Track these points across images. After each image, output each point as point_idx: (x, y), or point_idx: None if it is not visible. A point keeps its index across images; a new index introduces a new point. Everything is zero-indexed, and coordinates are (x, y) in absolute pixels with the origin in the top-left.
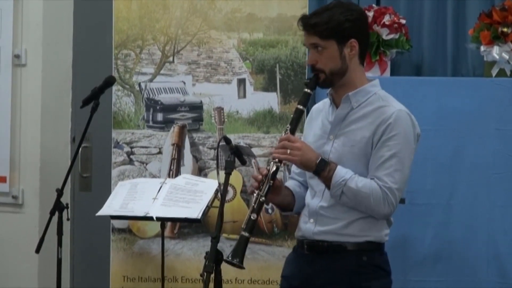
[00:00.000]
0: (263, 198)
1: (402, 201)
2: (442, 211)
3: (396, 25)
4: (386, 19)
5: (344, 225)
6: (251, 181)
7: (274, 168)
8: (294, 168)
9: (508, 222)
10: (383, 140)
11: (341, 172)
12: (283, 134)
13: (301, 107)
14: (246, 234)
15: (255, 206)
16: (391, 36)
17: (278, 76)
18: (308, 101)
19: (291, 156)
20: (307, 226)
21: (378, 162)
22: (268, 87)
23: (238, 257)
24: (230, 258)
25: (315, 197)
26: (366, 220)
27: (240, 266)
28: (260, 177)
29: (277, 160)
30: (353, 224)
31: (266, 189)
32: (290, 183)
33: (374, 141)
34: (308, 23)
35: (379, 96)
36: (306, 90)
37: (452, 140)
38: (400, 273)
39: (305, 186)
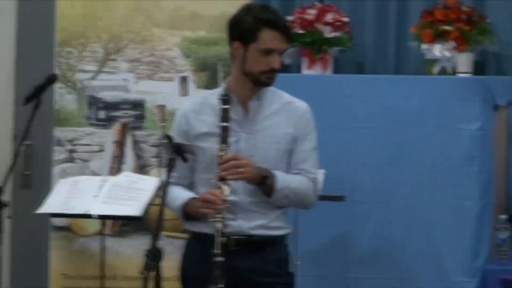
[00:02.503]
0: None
1: (342, 198)
2: (382, 209)
3: (338, 23)
4: (329, 17)
5: (272, 219)
6: (208, 204)
7: (227, 189)
8: (174, 173)
9: (447, 220)
10: (305, 134)
11: (280, 176)
12: (222, 154)
13: (226, 124)
14: (222, 259)
15: (222, 230)
16: (334, 34)
17: (220, 74)
18: (229, 117)
19: (245, 174)
20: (239, 223)
21: (303, 156)
22: (211, 85)
23: (222, 281)
24: (213, 286)
25: (236, 194)
26: (285, 214)
27: None
28: (222, 204)
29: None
30: (278, 218)
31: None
32: (182, 189)
33: (298, 136)
34: (288, 28)
35: (274, 92)
36: (224, 106)
37: (394, 138)
38: (340, 271)
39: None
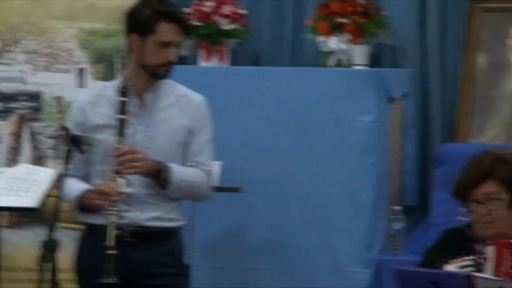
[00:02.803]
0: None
1: (238, 189)
2: (278, 200)
3: (235, 15)
4: (226, 9)
5: (167, 211)
6: (102, 196)
7: (123, 182)
8: (70, 165)
9: (343, 211)
10: (200, 127)
11: (176, 169)
12: (118, 147)
13: (123, 116)
14: (115, 252)
15: (116, 223)
16: (231, 26)
17: (117, 66)
18: (126, 109)
19: (140, 168)
20: (134, 214)
21: (199, 148)
22: (108, 76)
23: (114, 275)
24: (106, 279)
25: (132, 185)
26: (180, 206)
27: (117, 282)
28: (117, 196)
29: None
30: (173, 210)
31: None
32: (77, 181)
33: (194, 129)
34: (185, 21)
35: (170, 84)
36: (122, 99)
37: (290, 130)
38: (236, 262)
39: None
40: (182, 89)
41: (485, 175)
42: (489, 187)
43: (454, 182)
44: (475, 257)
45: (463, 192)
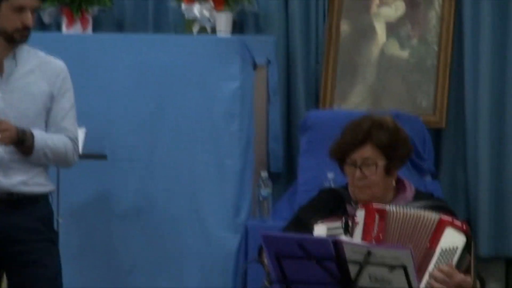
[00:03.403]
0: None
1: (104, 157)
2: (143, 166)
3: None
4: None
5: (32, 175)
6: None
7: None
8: None
9: (209, 178)
10: (62, 92)
11: (39, 135)
12: None
13: None
14: None
15: None
16: None
17: None
18: None
19: (3, 140)
20: None
21: (62, 114)
22: None
23: None
24: None
25: None
26: (46, 171)
27: None
28: None
29: None
30: (39, 175)
31: None
32: None
33: (55, 94)
34: None
35: (29, 51)
36: None
37: (154, 97)
38: (103, 228)
39: None
40: (42, 55)
41: (363, 140)
42: (366, 152)
43: (332, 143)
44: (345, 219)
45: (340, 155)
